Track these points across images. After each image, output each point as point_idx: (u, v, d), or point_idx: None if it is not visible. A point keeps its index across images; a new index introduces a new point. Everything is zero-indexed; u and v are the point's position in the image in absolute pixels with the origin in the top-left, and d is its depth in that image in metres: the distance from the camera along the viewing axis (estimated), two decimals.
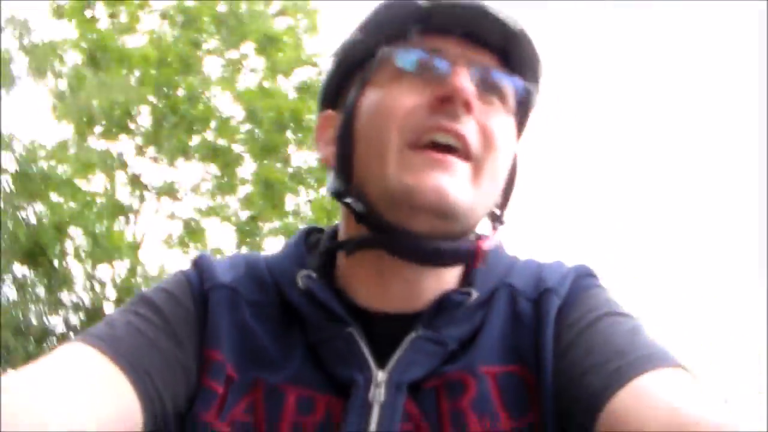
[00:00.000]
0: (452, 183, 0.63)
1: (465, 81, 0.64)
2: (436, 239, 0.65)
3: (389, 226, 0.66)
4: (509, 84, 0.69)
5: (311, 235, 0.77)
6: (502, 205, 0.74)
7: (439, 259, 0.67)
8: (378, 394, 0.63)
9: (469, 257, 0.67)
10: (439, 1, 0.67)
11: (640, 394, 0.55)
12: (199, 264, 0.74)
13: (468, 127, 0.65)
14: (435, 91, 0.65)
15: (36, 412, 0.52)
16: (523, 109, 0.73)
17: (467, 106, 0.64)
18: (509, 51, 0.69)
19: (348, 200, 0.69)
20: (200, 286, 0.71)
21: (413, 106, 0.65)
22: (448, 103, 0.64)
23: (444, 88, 0.64)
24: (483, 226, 0.73)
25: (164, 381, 0.63)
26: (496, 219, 0.73)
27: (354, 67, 0.72)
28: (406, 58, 0.67)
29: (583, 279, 0.71)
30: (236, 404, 0.65)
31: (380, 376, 0.64)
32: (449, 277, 0.71)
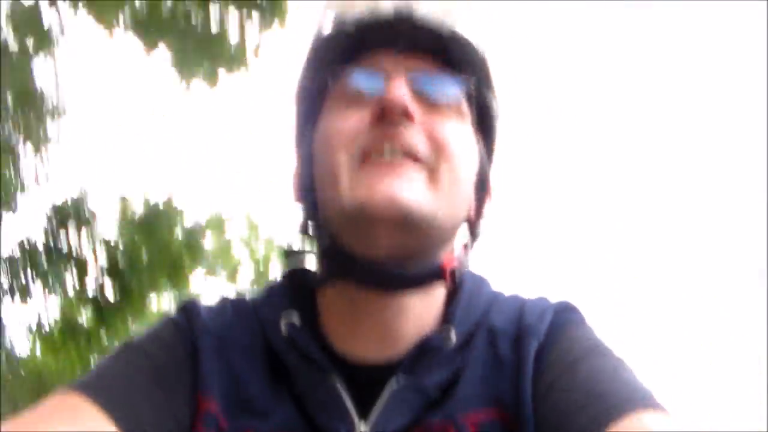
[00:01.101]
0: (405, 186, 0.62)
1: (398, 90, 0.64)
2: (399, 261, 0.65)
3: (352, 254, 0.65)
4: (450, 85, 0.68)
5: (296, 274, 0.76)
6: (476, 216, 0.73)
7: (404, 282, 0.66)
8: None
9: (436, 275, 0.66)
10: (363, 22, 0.67)
11: None
12: (187, 310, 0.73)
13: (411, 134, 0.65)
14: (374, 107, 0.65)
15: None
16: (480, 112, 0.72)
17: (406, 114, 0.64)
18: (447, 54, 0.69)
19: (312, 233, 0.71)
20: (190, 333, 0.70)
21: (357, 125, 0.66)
22: (387, 114, 0.64)
23: (378, 101, 0.65)
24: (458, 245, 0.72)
25: (157, 430, 0.62)
26: (469, 232, 0.72)
27: (310, 105, 0.73)
28: (346, 83, 0.68)
29: (562, 314, 0.70)
30: None
31: (363, 427, 0.64)
32: (427, 313, 0.70)
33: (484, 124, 0.73)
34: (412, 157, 0.64)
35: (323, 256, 0.70)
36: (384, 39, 0.68)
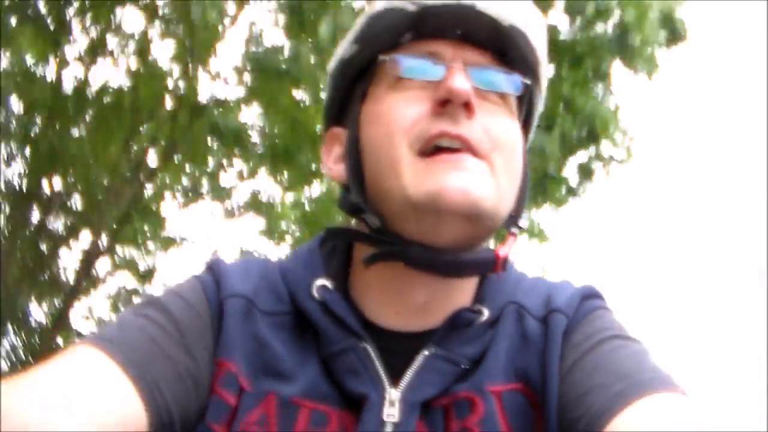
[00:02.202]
0: (473, 180, 0.63)
1: (460, 81, 0.64)
2: (457, 251, 0.66)
3: (410, 239, 0.66)
4: (506, 82, 0.69)
5: (328, 240, 0.76)
6: (517, 209, 0.73)
7: (461, 269, 0.68)
8: (393, 413, 0.63)
9: (489, 265, 0.67)
10: (427, 3, 0.67)
11: (639, 418, 0.56)
12: (214, 270, 0.73)
13: (472, 129, 0.65)
14: (434, 95, 0.65)
15: (39, 419, 0.52)
16: (525, 108, 0.73)
17: (467, 107, 0.65)
18: (504, 48, 0.69)
19: (365, 216, 0.70)
20: (216, 295, 0.70)
21: (416, 114, 0.65)
22: (448, 105, 0.64)
23: (441, 91, 0.65)
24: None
25: (174, 392, 0.62)
26: (512, 224, 0.73)
27: (353, 80, 0.73)
28: (402, 65, 0.68)
29: (590, 300, 0.72)
30: (248, 416, 0.65)
31: (394, 394, 0.64)
32: (461, 294, 0.71)
33: (528, 122, 0.75)
34: (473, 150, 0.65)
35: (372, 237, 0.70)
36: (444, 25, 0.68)
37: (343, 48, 0.73)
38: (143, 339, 0.64)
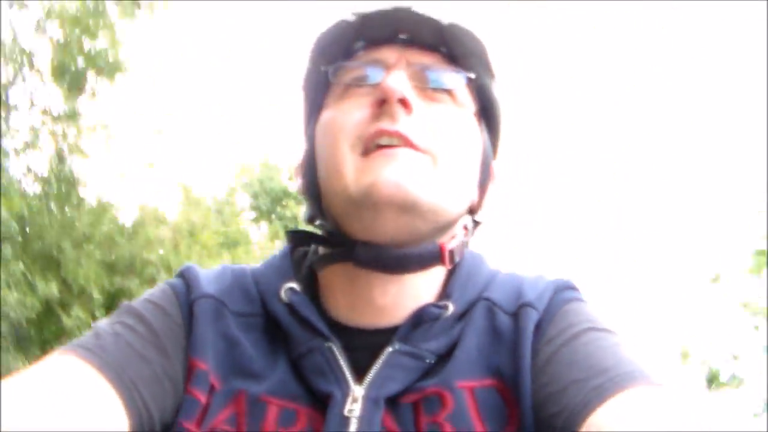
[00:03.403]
0: (409, 172, 0.64)
1: (396, 80, 0.65)
2: (402, 247, 0.66)
3: (354, 238, 0.67)
4: (449, 78, 0.70)
5: (300, 241, 0.77)
6: (478, 203, 0.74)
7: (405, 264, 0.68)
8: (355, 408, 0.63)
9: (434, 259, 0.68)
10: (365, 11, 0.68)
11: (618, 413, 0.55)
12: (185, 274, 0.74)
13: (409, 125, 0.66)
14: (373, 96, 0.67)
15: (20, 425, 0.52)
16: (482, 101, 0.73)
17: (404, 104, 0.65)
18: (448, 46, 0.70)
19: (318, 222, 0.72)
20: (186, 297, 0.71)
21: (358, 118, 0.67)
22: (385, 105, 0.65)
23: (377, 91, 0.66)
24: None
25: (152, 393, 0.63)
26: (470, 217, 0.73)
27: (314, 97, 0.74)
28: (343, 75, 0.70)
29: (562, 292, 0.71)
30: (218, 414, 0.65)
31: (357, 390, 0.64)
32: (426, 289, 0.71)
33: (487, 112, 0.74)
34: (412, 145, 0.65)
35: (326, 240, 0.72)
36: (385, 31, 0.69)
37: (302, 68, 0.76)
38: (118, 343, 0.65)
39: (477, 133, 0.72)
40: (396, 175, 0.63)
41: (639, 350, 0.64)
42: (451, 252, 0.69)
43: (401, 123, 0.65)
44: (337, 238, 0.69)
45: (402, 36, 0.69)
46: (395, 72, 0.67)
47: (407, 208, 0.64)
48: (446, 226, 0.69)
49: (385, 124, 0.65)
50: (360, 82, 0.69)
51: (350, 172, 0.66)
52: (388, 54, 0.69)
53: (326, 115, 0.71)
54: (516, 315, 0.68)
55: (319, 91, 0.73)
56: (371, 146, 0.66)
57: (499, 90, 0.74)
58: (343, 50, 0.71)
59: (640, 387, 0.57)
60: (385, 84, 0.65)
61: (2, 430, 0.51)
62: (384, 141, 0.65)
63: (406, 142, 0.65)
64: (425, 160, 0.66)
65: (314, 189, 0.71)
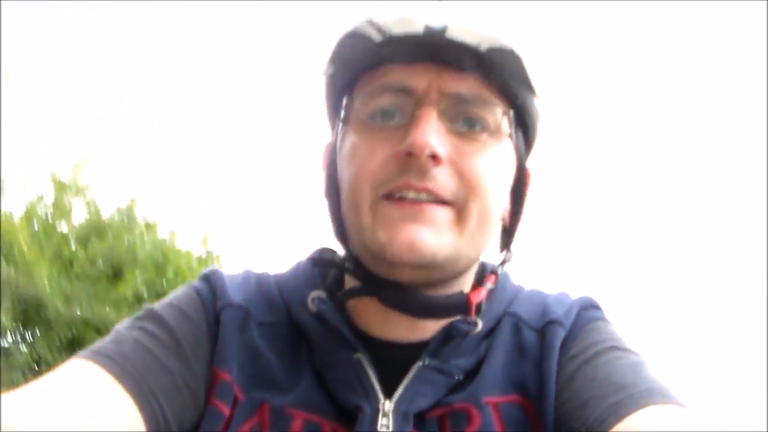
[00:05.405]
0: (427, 234, 0.62)
1: (426, 134, 0.61)
2: (423, 287, 0.65)
3: (376, 275, 0.66)
4: (490, 110, 0.65)
5: (324, 255, 0.75)
6: (508, 238, 0.73)
7: (429, 312, 0.67)
8: (386, 423, 0.63)
9: (461, 309, 0.66)
10: (393, 33, 0.63)
11: (635, 430, 0.55)
12: (212, 280, 0.73)
13: (440, 180, 0.62)
14: (401, 140, 0.62)
15: None
16: (523, 125, 0.69)
17: (434, 158, 0.62)
18: (486, 73, 0.64)
19: (344, 245, 0.70)
20: (213, 304, 0.70)
21: (382, 158, 0.63)
22: (413, 157, 0.61)
23: (404, 145, 0.62)
24: (491, 257, 0.72)
25: (170, 402, 0.62)
26: (504, 248, 0.72)
27: (337, 97, 0.71)
28: (369, 107, 0.65)
29: (587, 311, 0.71)
30: (241, 426, 0.65)
31: (387, 405, 0.64)
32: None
33: (525, 125, 0.70)
34: (438, 200, 0.63)
35: (347, 268, 0.70)
36: (415, 54, 0.64)
37: (324, 62, 0.71)
38: (139, 351, 0.64)
39: (512, 163, 0.69)
40: (413, 236, 0.61)
41: (659, 369, 0.65)
42: (479, 305, 0.68)
43: (430, 178, 0.62)
44: (359, 270, 0.68)
45: (437, 57, 0.64)
46: (426, 118, 0.62)
47: (423, 266, 0.63)
48: (468, 269, 0.69)
49: (413, 179, 0.62)
50: (386, 118, 0.65)
51: (368, 215, 0.64)
52: (419, 78, 0.64)
53: (351, 141, 0.67)
54: (542, 331, 0.69)
55: (341, 98, 0.69)
56: (396, 195, 0.63)
57: (537, 100, 0.69)
58: (368, 63, 0.66)
59: (659, 405, 0.57)
60: (414, 140, 0.61)
61: None
62: (411, 195, 0.62)
63: (435, 196, 0.62)
64: (449, 215, 0.63)
65: (336, 211, 0.69)
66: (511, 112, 0.67)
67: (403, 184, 0.63)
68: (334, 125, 0.73)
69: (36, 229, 7.54)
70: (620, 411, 0.57)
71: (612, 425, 0.57)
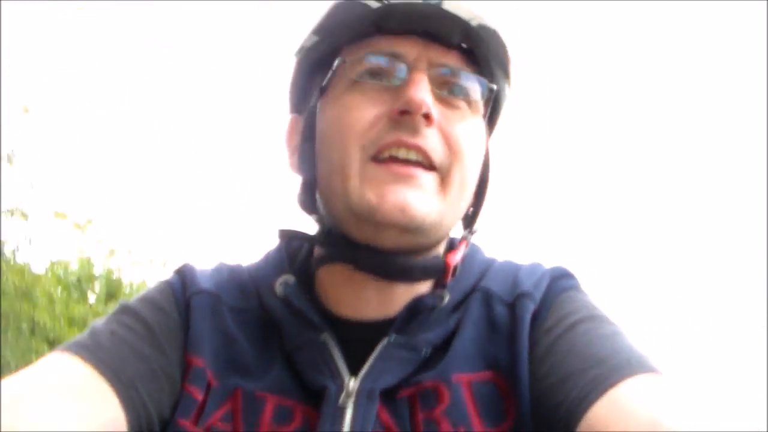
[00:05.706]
0: (417, 197, 0.62)
1: (422, 92, 0.62)
2: (402, 254, 0.65)
3: (355, 242, 0.65)
4: (473, 84, 0.67)
5: (293, 240, 0.76)
6: (475, 210, 0.72)
7: (407, 275, 0.67)
8: (349, 401, 0.62)
9: (439, 272, 0.67)
10: (392, 2, 0.64)
11: (618, 404, 0.54)
12: (182, 271, 0.74)
13: (430, 140, 0.63)
14: (393, 101, 0.63)
15: (18, 424, 0.53)
16: (492, 108, 0.71)
17: (427, 118, 0.63)
18: (472, 48, 0.67)
19: (314, 216, 0.70)
20: (183, 293, 0.71)
21: (372, 117, 0.63)
22: (407, 115, 0.62)
23: (401, 99, 0.63)
24: (456, 232, 0.72)
25: (149, 389, 0.63)
26: (467, 226, 0.72)
27: (313, 70, 0.70)
28: (362, 68, 0.65)
29: (559, 281, 0.70)
30: (215, 411, 0.65)
31: (352, 383, 0.63)
32: (422, 284, 0.70)
33: (493, 114, 0.73)
34: (428, 163, 0.64)
35: (323, 238, 0.70)
36: (408, 24, 0.65)
37: (305, 37, 0.72)
38: (115, 341, 0.64)
39: (484, 139, 0.70)
40: (404, 198, 0.62)
41: (635, 338, 0.63)
42: (455, 267, 0.68)
43: (422, 137, 0.63)
44: (335, 238, 0.68)
45: (428, 30, 0.65)
46: (420, 79, 0.63)
47: (410, 230, 0.63)
48: (445, 237, 0.69)
49: (405, 136, 0.63)
50: (379, 77, 0.65)
51: (356, 177, 0.63)
52: (408, 48, 0.65)
53: (335, 104, 0.66)
54: (513, 305, 0.68)
55: (324, 70, 0.68)
56: (385, 154, 0.63)
57: (509, 93, 0.73)
58: (355, 33, 0.67)
59: (638, 376, 0.56)
60: (411, 96, 0.62)
61: (1, 430, 0.51)
62: (401, 154, 0.63)
63: (424, 156, 0.63)
64: (435, 180, 0.64)
65: (311, 178, 0.69)
66: (488, 92, 0.69)
67: (393, 141, 0.63)
68: (304, 99, 0.72)
69: None
70: (600, 385, 0.56)
71: (593, 401, 0.55)
